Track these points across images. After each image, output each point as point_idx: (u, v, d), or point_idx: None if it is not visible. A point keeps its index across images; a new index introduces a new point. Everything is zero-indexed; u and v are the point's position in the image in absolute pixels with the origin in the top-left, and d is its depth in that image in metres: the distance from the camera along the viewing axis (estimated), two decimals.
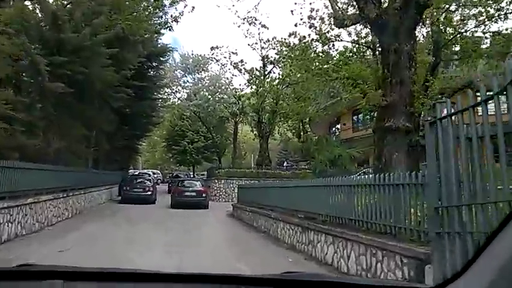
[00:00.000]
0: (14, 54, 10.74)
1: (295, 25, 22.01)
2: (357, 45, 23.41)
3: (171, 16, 16.89)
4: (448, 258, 3.88)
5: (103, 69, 15.16)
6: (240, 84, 37.60)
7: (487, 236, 0.98)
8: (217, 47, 31.48)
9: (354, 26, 24.54)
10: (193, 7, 16.42)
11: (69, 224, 13.09)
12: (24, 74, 12.41)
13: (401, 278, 5.00)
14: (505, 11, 16.67)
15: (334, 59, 22.72)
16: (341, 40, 22.49)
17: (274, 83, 32.14)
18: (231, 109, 33.39)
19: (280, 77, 31.82)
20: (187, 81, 35.43)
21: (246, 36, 33.99)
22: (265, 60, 32.62)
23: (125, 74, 17.77)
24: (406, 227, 5.38)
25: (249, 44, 33.15)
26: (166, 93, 33.83)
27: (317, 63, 22.62)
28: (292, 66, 23.43)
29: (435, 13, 17.36)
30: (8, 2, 12.34)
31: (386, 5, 11.53)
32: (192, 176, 40.23)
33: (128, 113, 24.47)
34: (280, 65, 32.53)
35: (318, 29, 21.22)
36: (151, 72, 26.70)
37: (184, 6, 16.91)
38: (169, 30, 18.16)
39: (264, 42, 31.58)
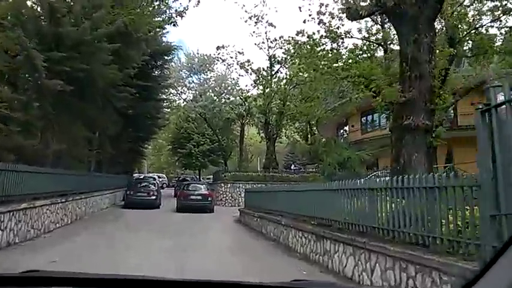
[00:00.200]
0: (8, 48, 10.12)
1: (304, 21, 21.30)
2: (367, 43, 22.69)
3: (176, 11, 16.16)
4: None
5: (105, 67, 14.51)
6: (246, 85, 36.92)
7: (505, 242, 0.98)
8: (223, 47, 30.87)
9: (364, 22, 23.84)
10: (199, 1, 15.66)
11: (68, 230, 12.41)
12: (20, 70, 11.76)
13: None
14: None
15: (344, 57, 22.02)
16: (351, 37, 21.76)
17: (282, 83, 31.53)
18: (237, 110, 32.68)
19: (288, 77, 31.24)
20: (193, 81, 34.84)
21: (252, 35, 33.16)
22: (273, 59, 31.95)
23: (128, 73, 17.12)
24: (443, 237, 4.60)
25: (255, 44, 32.49)
26: (171, 94, 33.20)
27: (326, 62, 21.92)
28: (301, 64, 22.73)
29: (449, 7, 16.54)
30: None
31: None
32: (198, 179, 39.58)
33: (132, 114, 23.83)
34: (287, 65, 31.93)
35: (327, 25, 20.50)
36: (156, 72, 26.08)
37: (189, 0, 16.07)
38: (174, 25, 17.50)
39: (271, 42, 30.99)
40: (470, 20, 18.53)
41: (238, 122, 35.06)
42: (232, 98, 33.44)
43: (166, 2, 16.20)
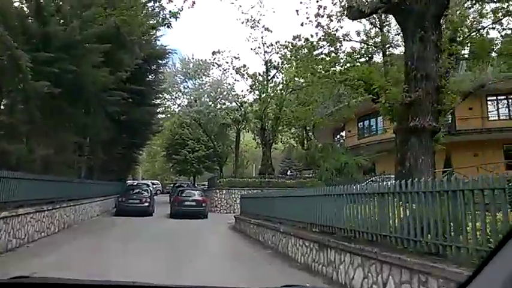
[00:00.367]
0: None
1: (301, 24, 20.86)
2: (365, 46, 22.35)
3: (170, 12, 15.64)
4: None
5: (95, 69, 13.96)
6: (242, 91, 36.59)
7: (495, 246, 0.97)
8: (218, 52, 30.42)
9: (362, 25, 23.47)
10: (194, 2, 15.15)
11: (54, 240, 11.73)
12: (3, 71, 11.12)
13: None
14: None
15: (341, 60, 21.63)
16: (350, 40, 21.41)
17: (278, 88, 31.09)
18: (233, 115, 32.15)
19: (284, 82, 30.83)
20: (188, 86, 34.25)
21: (248, 40, 32.81)
22: (269, 64, 31.56)
23: (121, 76, 16.55)
24: (469, 246, 4.06)
25: (251, 48, 32.12)
26: (165, 99, 32.60)
27: (324, 65, 21.51)
28: (298, 68, 22.30)
29: (453, 6, 16.17)
30: None
31: None
32: (194, 185, 38.92)
33: (125, 119, 23.23)
34: (283, 70, 31.54)
35: (325, 27, 20.11)
36: (150, 77, 25.50)
37: (184, 1, 15.54)
38: (168, 27, 16.97)
39: (267, 46, 30.62)
40: (471, 23, 18.18)
41: (234, 127, 34.52)
42: (228, 103, 32.93)
43: (160, 3, 15.65)
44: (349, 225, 6.46)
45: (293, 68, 27.96)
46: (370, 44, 22.40)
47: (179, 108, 34.84)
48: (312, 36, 20.41)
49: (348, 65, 21.39)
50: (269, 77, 31.94)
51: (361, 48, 21.98)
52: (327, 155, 27.40)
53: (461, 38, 17.76)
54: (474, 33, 18.45)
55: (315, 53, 21.32)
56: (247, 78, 31.41)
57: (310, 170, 33.15)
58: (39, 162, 13.46)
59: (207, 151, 39.33)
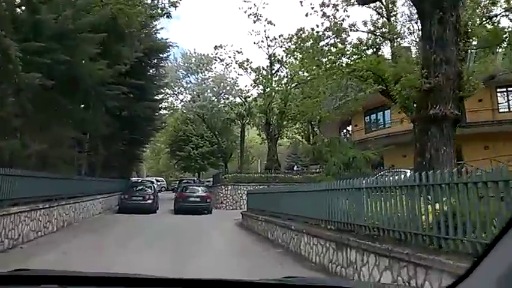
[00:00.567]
0: None
1: (306, 15, 20.07)
2: (372, 37, 21.58)
3: (169, 1, 14.94)
4: None
5: (92, 62, 13.29)
6: (246, 86, 35.85)
7: (492, 239, 0.98)
8: (221, 46, 29.80)
9: (369, 15, 22.67)
10: None
11: (52, 239, 11.11)
12: None
13: None
14: None
15: (348, 52, 20.91)
16: (356, 30, 20.63)
17: (283, 82, 30.39)
18: (237, 110, 31.47)
19: (289, 76, 30.11)
20: (190, 81, 33.59)
21: (251, 34, 32.05)
22: (272, 58, 30.86)
23: (120, 69, 15.85)
24: None
25: (254, 42, 31.39)
26: (168, 95, 31.96)
27: (330, 56, 20.79)
28: (303, 60, 21.57)
29: None
30: None
31: None
32: (200, 182, 38.41)
33: (126, 115, 22.62)
34: (287, 65, 30.81)
35: (331, 17, 19.33)
36: (151, 71, 24.81)
37: None
38: (168, 17, 16.30)
39: (271, 40, 29.92)
40: (482, 12, 17.27)
41: (239, 122, 33.85)
42: (231, 98, 32.26)
43: None
44: (372, 222, 5.76)
45: (297, 61, 27.30)
46: (377, 34, 21.61)
47: (182, 103, 34.23)
48: (317, 26, 19.62)
49: (355, 56, 20.72)
50: (273, 71, 31.31)
51: (368, 39, 21.25)
52: (334, 149, 26.75)
53: (472, 27, 16.93)
54: (487, 21, 17.60)
55: (321, 44, 20.63)
56: (250, 73, 30.81)
57: (317, 165, 32.53)
58: (36, 158, 12.85)
59: (211, 147, 38.74)
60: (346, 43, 20.51)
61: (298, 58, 26.12)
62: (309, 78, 24.25)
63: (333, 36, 20.33)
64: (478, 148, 22.63)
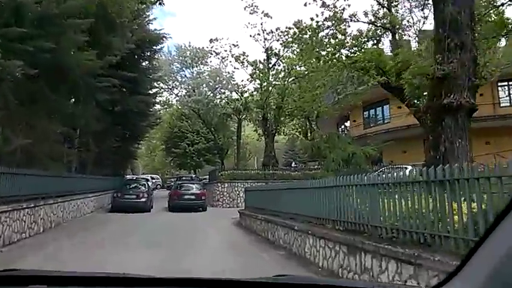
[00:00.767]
0: None
1: (305, 4, 19.36)
2: (372, 28, 20.91)
3: None
4: None
5: (80, 51, 12.51)
6: (242, 80, 35.19)
7: (480, 236, 0.98)
8: (216, 39, 29.01)
9: (370, 6, 21.98)
10: None
11: (37, 240, 10.37)
12: None
13: None
14: None
15: (347, 44, 20.27)
16: (357, 20, 19.94)
17: (280, 76, 29.68)
18: (233, 105, 30.72)
19: (286, 69, 29.41)
20: (185, 75, 32.74)
21: (247, 27, 31.29)
22: (269, 52, 30.15)
23: (110, 60, 15.06)
24: None
25: (251, 35, 30.61)
26: (162, 89, 31.11)
27: (329, 48, 20.12)
28: (302, 51, 20.90)
29: None
30: None
31: None
32: (198, 179, 37.73)
33: (119, 110, 21.83)
34: (283, 60, 30.12)
35: (331, 6, 18.65)
36: (144, 64, 23.98)
37: None
38: (160, 4, 15.51)
39: (267, 33, 29.18)
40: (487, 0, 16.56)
41: (235, 117, 33.11)
42: (227, 93, 31.50)
43: None
44: (390, 223, 5.07)
45: (295, 55, 26.64)
46: (378, 25, 20.93)
47: (177, 98, 33.43)
48: (317, 15, 18.93)
49: (355, 48, 20.10)
50: (270, 65, 30.60)
51: (369, 30, 20.60)
52: (333, 145, 26.15)
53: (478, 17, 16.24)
54: (492, 10, 16.90)
55: (320, 34, 19.97)
56: (247, 66, 30.08)
57: (315, 161, 31.94)
58: (21, 154, 12.08)
59: (207, 143, 38.01)
60: (346, 35, 19.89)
61: (296, 51, 25.49)
62: (306, 72, 23.63)
63: (333, 26, 19.69)
64: (480, 143, 22.10)
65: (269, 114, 29.96)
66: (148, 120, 27.87)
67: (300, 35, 20.58)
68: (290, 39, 24.25)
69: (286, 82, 29.09)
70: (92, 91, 15.34)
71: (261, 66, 30.11)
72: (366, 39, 20.53)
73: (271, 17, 28.98)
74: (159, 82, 28.71)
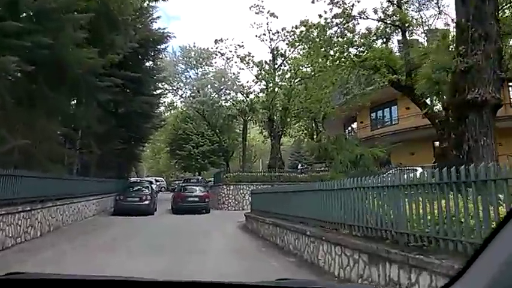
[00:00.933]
0: None
1: (312, 1, 18.83)
2: (382, 26, 20.37)
3: None
4: None
5: (80, 49, 12.03)
6: (247, 81, 34.72)
7: (484, 239, 0.96)
8: (221, 40, 28.58)
9: (379, 3, 21.45)
10: None
11: (33, 245, 9.83)
12: None
13: None
14: None
15: (356, 42, 19.75)
16: (366, 18, 19.37)
17: (286, 77, 29.18)
18: (239, 106, 30.22)
19: (292, 71, 28.90)
20: (190, 76, 32.31)
21: (253, 27, 30.84)
22: (275, 52, 29.66)
23: (112, 59, 14.59)
24: None
25: (256, 35, 30.17)
26: (166, 90, 30.67)
27: (337, 47, 19.58)
28: (309, 50, 20.33)
29: None
30: None
31: None
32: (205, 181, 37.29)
33: (122, 111, 21.40)
34: (290, 61, 29.62)
35: (340, 3, 18.11)
36: (148, 63, 23.52)
37: None
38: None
39: (273, 34, 28.74)
40: None
41: (241, 118, 32.62)
42: (232, 94, 31.02)
43: None
44: (420, 230, 4.47)
45: (301, 55, 26.14)
46: (387, 22, 20.38)
47: (181, 99, 33.00)
48: (325, 12, 18.41)
49: (364, 47, 19.60)
50: (276, 66, 30.12)
51: (378, 28, 20.05)
52: (340, 146, 25.59)
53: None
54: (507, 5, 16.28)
55: (328, 32, 19.45)
56: (252, 67, 29.64)
57: (322, 163, 31.40)
58: (18, 155, 11.61)
59: (212, 146, 37.52)
60: (354, 33, 19.39)
61: (303, 51, 24.96)
62: (313, 73, 23.09)
63: (342, 23, 19.19)
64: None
65: (275, 115, 29.46)
66: (152, 122, 27.43)
67: (307, 33, 20.04)
68: (297, 39, 23.77)
69: (292, 83, 28.60)
70: (93, 90, 14.87)
71: (267, 67, 29.66)
72: (374, 38, 20.02)
73: (277, 17, 28.59)
74: (163, 83, 28.29)
